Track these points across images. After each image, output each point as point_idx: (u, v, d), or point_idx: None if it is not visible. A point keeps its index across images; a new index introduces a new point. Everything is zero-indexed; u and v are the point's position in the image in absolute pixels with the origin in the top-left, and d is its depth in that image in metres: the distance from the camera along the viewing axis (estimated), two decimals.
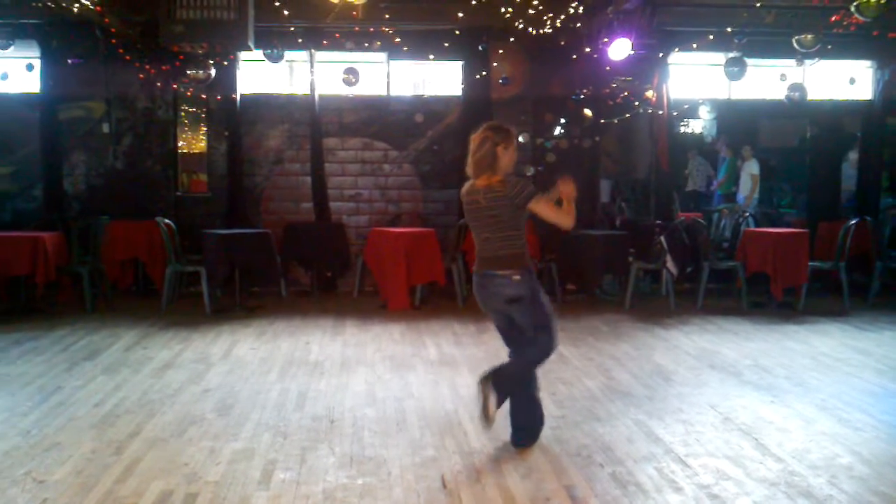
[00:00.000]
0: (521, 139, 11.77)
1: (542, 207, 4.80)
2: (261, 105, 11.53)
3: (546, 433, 5.31)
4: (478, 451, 4.96)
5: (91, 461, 4.73)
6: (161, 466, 4.66)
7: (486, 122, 5.04)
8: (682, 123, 14.77)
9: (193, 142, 11.47)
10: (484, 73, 11.31)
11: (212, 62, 10.58)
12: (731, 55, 10.78)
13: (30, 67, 10.94)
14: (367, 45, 11.08)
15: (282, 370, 6.92)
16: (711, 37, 10.76)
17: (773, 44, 10.91)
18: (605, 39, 10.07)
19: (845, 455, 4.95)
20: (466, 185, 4.96)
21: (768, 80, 11.83)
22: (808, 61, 11.33)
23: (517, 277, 4.78)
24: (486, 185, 4.80)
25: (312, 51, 11.19)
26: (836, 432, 5.38)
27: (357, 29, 10.84)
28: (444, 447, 5.04)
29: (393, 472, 4.63)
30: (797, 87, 11.20)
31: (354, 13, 10.15)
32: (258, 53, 10.68)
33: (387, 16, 10.26)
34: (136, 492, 4.28)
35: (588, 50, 10.63)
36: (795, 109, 11.75)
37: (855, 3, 8.31)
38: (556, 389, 6.35)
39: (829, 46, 10.36)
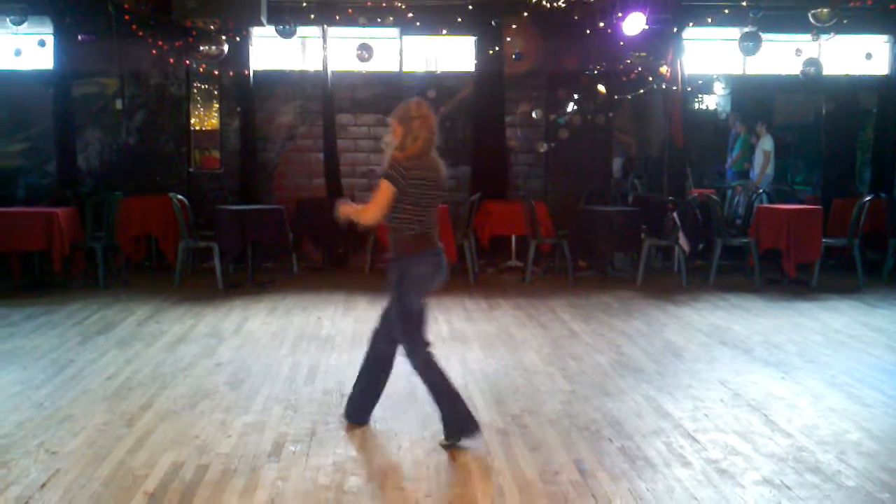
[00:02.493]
0: (534, 115, 11.73)
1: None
2: (273, 81, 11.53)
3: (556, 407, 5.34)
4: (487, 425, 4.97)
5: (103, 433, 4.78)
6: (172, 438, 4.70)
7: (417, 100, 4.88)
8: (697, 99, 14.65)
9: (206, 118, 11.50)
10: (497, 48, 11.26)
11: (224, 38, 10.56)
12: (746, 30, 10.69)
13: (42, 44, 10.96)
14: (379, 20, 11.05)
15: (293, 345, 6.95)
16: (727, 11, 10.69)
17: (788, 18, 10.83)
18: (620, 14, 9.99)
19: (854, 431, 4.94)
20: (410, 160, 4.63)
21: (784, 55, 11.72)
22: (823, 36, 11.21)
23: None
24: (438, 164, 4.80)
25: (325, 26, 11.18)
26: (846, 408, 5.37)
27: (370, 4, 10.82)
28: None
29: (403, 445, 4.66)
30: (813, 63, 11.09)
31: None
32: (270, 29, 10.68)
33: None
34: (148, 463, 4.33)
35: (602, 25, 10.56)
36: (811, 85, 11.65)
37: None
38: (566, 365, 6.36)
39: (846, 21, 10.26)
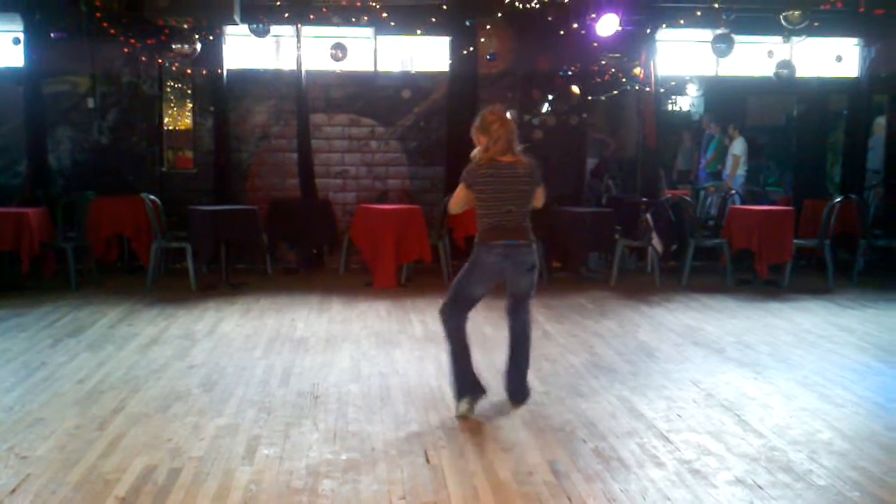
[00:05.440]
0: (508, 115, 11.72)
1: (540, 192, 5.40)
2: (247, 80, 11.45)
3: (530, 408, 5.36)
4: (461, 427, 4.98)
5: (74, 437, 4.73)
6: (145, 442, 4.66)
7: (492, 107, 5.66)
8: (670, 101, 14.74)
9: (179, 117, 11.39)
10: (471, 48, 11.25)
11: (197, 36, 10.46)
12: (718, 31, 10.75)
13: (17, 41, 10.80)
14: (354, 20, 10.99)
15: (267, 347, 6.92)
16: (699, 13, 10.74)
17: (760, 20, 10.90)
18: (593, 15, 10.03)
19: (826, 431, 4.99)
20: (484, 160, 5.21)
21: (756, 57, 11.80)
22: (795, 38, 11.30)
23: (534, 247, 5.30)
24: (518, 161, 5.25)
25: (299, 25, 11.10)
26: (817, 408, 5.43)
27: (344, 3, 10.76)
28: (428, 422, 5.06)
29: (377, 447, 4.65)
30: (785, 65, 11.18)
31: None
32: (244, 28, 10.60)
33: None
34: (120, 467, 4.29)
35: (576, 26, 10.58)
36: (783, 87, 11.74)
37: None
38: (540, 366, 6.37)
39: (817, 24, 10.35)
